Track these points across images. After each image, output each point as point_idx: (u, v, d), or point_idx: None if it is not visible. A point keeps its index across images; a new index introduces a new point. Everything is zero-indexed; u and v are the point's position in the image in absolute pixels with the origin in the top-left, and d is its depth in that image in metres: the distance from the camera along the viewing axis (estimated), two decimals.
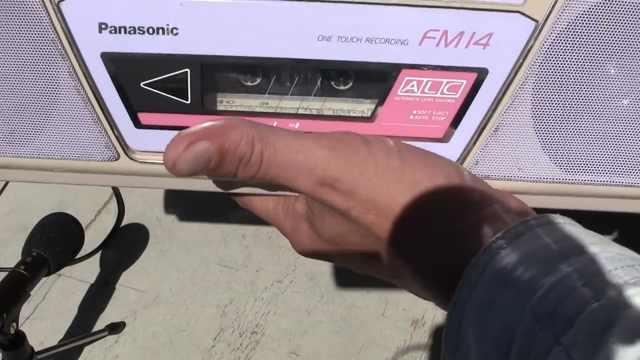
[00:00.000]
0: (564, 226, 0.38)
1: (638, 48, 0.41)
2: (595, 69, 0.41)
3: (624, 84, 0.42)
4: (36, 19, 0.39)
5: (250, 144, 0.37)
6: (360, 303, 1.40)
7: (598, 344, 0.32)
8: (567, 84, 0.41)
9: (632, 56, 0.41)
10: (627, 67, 0.42)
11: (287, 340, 1.36)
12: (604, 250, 0.36)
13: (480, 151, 0.43)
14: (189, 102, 0.42)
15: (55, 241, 1.04)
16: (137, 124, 0.42)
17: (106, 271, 1.49)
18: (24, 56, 0.40)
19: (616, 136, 0.43)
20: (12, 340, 0.99)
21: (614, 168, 0.43)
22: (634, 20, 0.40)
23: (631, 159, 0.43)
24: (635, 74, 0.42)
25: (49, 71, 0.41)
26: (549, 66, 0.41)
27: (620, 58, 0.41)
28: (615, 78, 0.42)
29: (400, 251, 0.40)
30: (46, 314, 1.41)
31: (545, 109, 0.42)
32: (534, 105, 0.42)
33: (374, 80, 0.42)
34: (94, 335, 1.35)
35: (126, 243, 1.54)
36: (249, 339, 1.37)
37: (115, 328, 1.36)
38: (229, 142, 0.37)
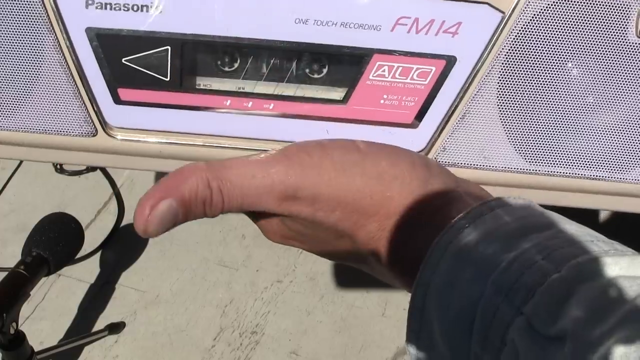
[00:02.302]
0: (523, 206, 0.39)
1: (599, 43, 0.43)
2: (559, 61, 0.43)
3: (588, 81, 0.44)
4: None
5: (207, 187, 0.38)
6: (360, 303, 1.39)
7: (558, 313, 0.32)
8: (531, 75, 0.43)
9: (595, 50, 0.43)
10: (590, 64, 0.44)
11: (287, 340, 1.34)
12: (563, 228, 0.37)
13: (448, 138, 0.44)
14: (168, 79, 0.43)
15: (55, 241, 1.04)
16: (117, 100, 0.43)
17: (106, 271, 1.47)
18: (11, 27, 0.42)
19: (579, 128, 0.44)
20: (12, 340, 0.98)
21: (576, 160, 0.45)
22: (593, 17, 0.43)
23: (594, 151, 0.45)
24: (598, 68, 0.44)
25: (34, 43, 0.42)
26: (515, 56, 0.43)
27: (583, 51, 0.43)
28: (579, 74, 0.44)
29: (369, 239, 0.41)
30: (46, 314, 1.39)
31: (510, 98, 0.44)
32: (499, 95, 0.43)
33: (347, 65, 0.43)
34: (94, 335, 1.33)
35: (126, 243, 1.53)
36: (249, 339, 1.34)
37: (115, 328, 1.35)
38: (187, 192, 0.38)
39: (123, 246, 1.52)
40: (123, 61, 0.43)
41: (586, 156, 0.45)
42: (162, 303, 1.40)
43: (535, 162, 0.45)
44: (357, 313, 1.39)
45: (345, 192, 0.40)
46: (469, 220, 0.37)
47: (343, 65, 0.44)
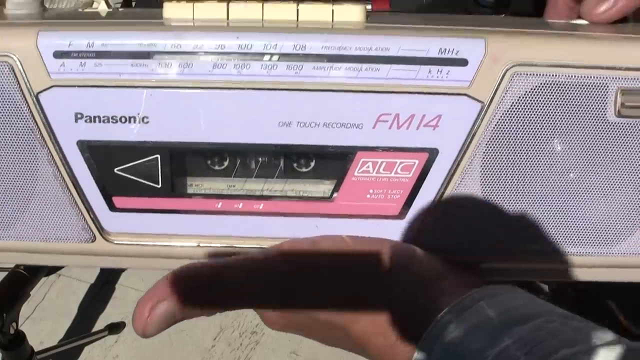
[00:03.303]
0: (507, 296, 0.40)
1: (579, 124, 0.44)
2: (540, 145, 0.44)
3: (569, 159, 0.45)
4: (16, 109, 0.43)
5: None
6: None
7: None
8: (513, 159, 0.44)
9: (575, 131, 0.44)
10: (570, 143, 0.44)
11: (287, 340, 1.35)
12: (546, 318, 0.38)
13: (433, 228, 0.45)
14: (159, 186, 0.44)
15: None
16: (112, 208, 0.45)
17: (106, 271, 1.48)
18: (4, 144, 0.43)
19: (563, 206, 0.45)
20: (12, 340, 0.99)
21: (562, 238, 0.46)
22: (572, 99, 0.43)
23: (579, 228, 0.46)
24: (579, 149, 0.44)
25: (28, 158, 0.44)
26: (496, 143, 0.44)
27: (563, 134, 0.44)
28: (560, 154, 0.45)
29: (362, 333, 0.42)
30: (46, 314, 1.41)
31: (494, 184, 0.44)
32: (482, 182, 0.44)
33: (332, 161, 0.44)
34: (94, 335, 1.34)
35: None
36: (249, 339, 1.36)
37: (115, 328, 1.36)
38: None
39: None
40: (115, 171, 0.44)
41: (571, 233, 0.46)
42: None
43: (522, 241, 0.46)
44: None
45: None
46: (454, 314, 0.39)
47: (328, 163, 0.45)
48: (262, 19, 0.45)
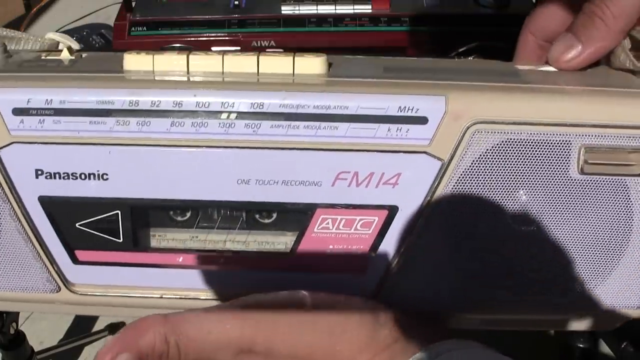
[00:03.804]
0: (462, 355, 0.40)
1: (541, 181, 0.43)
2: (501, 201, 0.44)
3: (532, 214, 0.44)
4: None
5: (164, 341, 0.40)
6: None
7: None
8: (473, 217, 0.44)
9: (536, 188, 0.44)
10: (533, 199, 0.44)
11: None
12: None
13: (394, 282, 0.45)
14: (121, 240, 0.45)
15: None
16: (75, 261, 0.45)
17: None
18: None
19: (525, 262, 0.45)
20: (12, 340, 0.99)
21: (526, 291, 0.46)
22: (534, 156, 0.43)
23: (542, 281, 0.45)
24: (541, 204, 0.44)
25: None
26: (456, 199, 0.44)
27: (525, 190, 0.44)
28: (522, 209, 0.44)
29: None
30: (46, 314, 1.43)
31: (454, 240, 0.44)
32: (443, 237, 0.44)
33: (294, 214, 0.44)
34: (94, 335, 1.34)
35: None
36: None
37: (115, 328, 1.36)
38: (144, 347, 0.40)
39: None
40: (77, 226, 0.45)
41: (534, 285, 0.46)
42: None
43: (485, 293, 0.46)
44: None
45: (298, 347, 0.42)
46: None
47: (290, 216, 0.45)
48: (223, 72, 0.45)
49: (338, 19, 0.82)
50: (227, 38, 0.82)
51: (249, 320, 0.41)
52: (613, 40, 0.47)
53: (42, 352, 1.23)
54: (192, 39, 0.81)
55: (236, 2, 0.84)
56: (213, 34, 0.82)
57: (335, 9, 0.83)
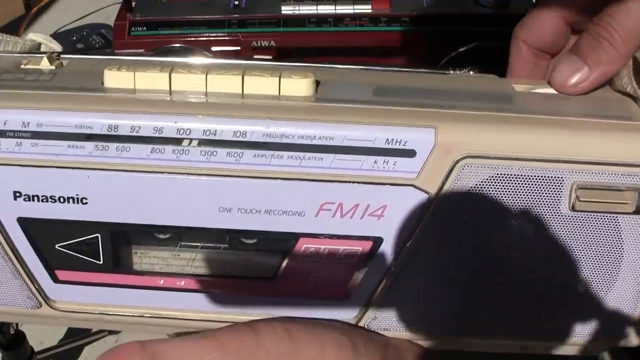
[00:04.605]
0: None
1: (530, 215, 0.42)
2: (489, 235, 0.43)
3: (520, 249, 0.44)
4: None
5: None
6: None
7: None
8: (460, 250, 0.43)
9: (525, 223, 0.43)
10: (522, 233, 0.43)
11: None
12: None
13: (377, 307, 0.45)
14: (101, 262, 0.44)
15: None
16: (56, 280, 0.45)
17: None
18: None
19: (513, 295, 0.45)
20: (12, 340, 1.01)
21: (512, 321, 0.45)
22: (524, 191, 0.42)
23: (529, 318, 0.45)
24: (531, 239, 0.43)
25: None
26: (443, 234, 0.43)
27: (514, 225, 0.43)
28: (511, 244, 0.43)
29: None
30: None
31: (440, 271, 0.44)
32: (428, 268, 0.44)
33: (276, 241, 0.44)
34: (94, 335, 1.36)
35: None
36: None
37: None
38: None
39: None
40: (57, 247, 0.44)
41: (523, 319, 0.46)
42: None
43: (467, 322, 0.46)
44: None
45: None
46: None
47: (274, 239, 0.44)
48: (206, 92, 0.43)
49: (338, 19, 0.81)
50: (227, 38, 0.80)
51: (229, 354, 0.41)
52: (620, 64, 0.45)
53: (42, 352, 1.23)
54: (192, 39, 0.80)
55: (236, 2, 0.83)
56: (213, 34, 0.81)
57: (335, 9, 0.81)
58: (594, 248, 0.44)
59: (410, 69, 0.48)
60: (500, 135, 0.42)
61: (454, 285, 0.44)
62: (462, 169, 0.42)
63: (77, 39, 1.06)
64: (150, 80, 0.43)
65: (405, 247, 0.43)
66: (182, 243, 0.45)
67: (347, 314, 0.45)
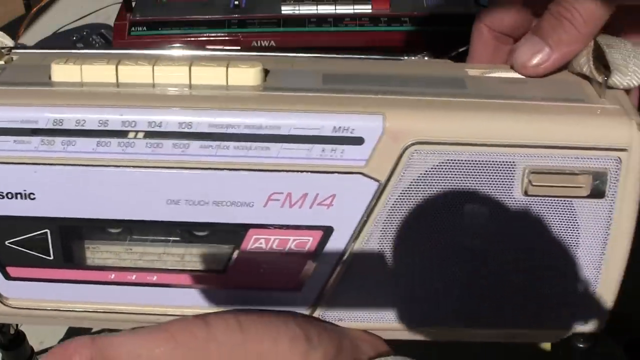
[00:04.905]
0: None
1: (483, 200, 0.42)
2: (441, 220, 0.42)
3: (473, 234, 0.43)
4: None
5: None
6: None
7: None
8: (412, 237, 0.43)
9: (478, 208, 0.42)
10: (474, 218, 0.43)
11: None
12: None
13: (331, 298, 0.44)
14: (52, 258, 0.44)
15: None
16: (7, 277, 0.45)
17: None
18: None
19: (462, 280, 0.44)
20: (12, 340, 1.01)
21: (467, 309, 0.45)
22: (476, 176, 0.41)
23: (482, 299, 0.45)
24: (484, 224, 0.43)
25: None
26: (393, 221, 0.42)
27: (467, 209, 0.42)
28: (463, 228, 0.43)
29: None
30: None
31: (392, 259, 0.43)
32: (380, 256, 0.43)
33: (226, 233, 0.43)
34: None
35: None
36: None
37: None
38: None
39: None
40: (6, 243, 0.44)
41: (472, 304, 0.45)
42: None
43: (422, 310, 0.45)
44: None
45: None
46: None
47: (224, 231, 0.44)
48: (153, 83, 0.43)
49: (338, 19, 0.80)
50: (227, 38, 0.80)
51: (180, 346, 0.41)
52: (581, 45, 0.45)
53: (42, 352, 1.23)
54: (192, 39, 0.80)
55: (236, 2, 0.82)
56: (213, 34, 0.80)
57: (335, 9, 0.81)
58: (549, 233, 0.43)
59: (364, 56, 0.48)
60: (450, 120, 0.41)
61: (408, 274, 0.44)
62: (412, 156, 0.41)
63: (77, 39, 1.06)
64: (97, 73, 0.43)
65: (357, 236, 0.43)
66: (133, 237, 0.44)
67: (301, 305, 0.45)
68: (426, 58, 0.49)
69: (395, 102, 0.42)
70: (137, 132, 0.41)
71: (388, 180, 0.42)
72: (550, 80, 0.45)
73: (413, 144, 0.41)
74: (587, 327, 0.46)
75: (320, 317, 0.45)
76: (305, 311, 0.45)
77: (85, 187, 0.42)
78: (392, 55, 0.47)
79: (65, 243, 0.44)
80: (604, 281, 0.44)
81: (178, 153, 0.41)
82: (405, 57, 0.48)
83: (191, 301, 0.45)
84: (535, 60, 0.45)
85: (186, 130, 0.41)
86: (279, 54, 0.48)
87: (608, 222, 0.43)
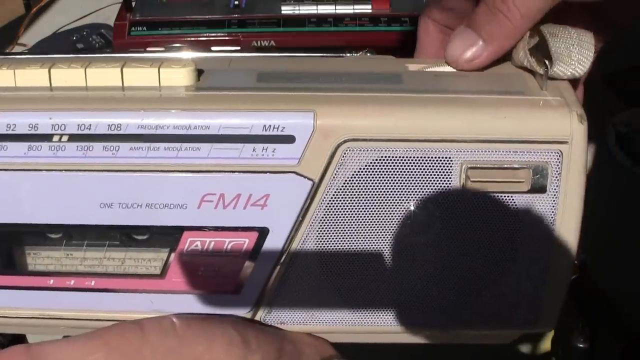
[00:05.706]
0: None
1: (420, 195, 0.41)
2: (375, 219, 0.42)
3: (412, 228, 0.42)
4: None
5: None
6: None
7: None
8: (350, 235, 0.42)
9: (415, 202, 0.41)
10: (413, 213, 0.42)
11: None
12: None
13: (272, 300, 0.43)
14: None
15: None
16: None
17: None
18: None
19: (407, 279, 0.43)
20: (12, 341, 1.02)
21: (409, 310, 0.44)
22: (412, 171, 0.40)
23: (423, 300, 0.43)
24: (422, 218, 0.42)
25: None
26: (330, 220, 0.41)
27: (403, 204, 0.42)
28: (401, 224, 0.42)
29: None
30: None
31: (331, 258, 0.42)
32: (319, 256, 0.42)
33: (161, 235, 0.43)
34: None
35: None
36: None
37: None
38: None
39: None
40: None
41: (415, 300, 0.44)
42: None
43: (369, 314, 0.44)
44: None
45: None
46: None
47: (162, 234, 0.43)
48: (86, 86, 0.42)
49: (338, 19, 0.81)
50: (227, 38, 0.80)
51: (113, 352, 0.40)
52: (517, 38, 0.43)
53: None
54: (192, 39, 0.80)
55: (236, 2, 0.83)
56: (213, 34, 0.81)
57: (335, 9, 0.82)
58: (491, 230, 0.42)
59: (304, 54, 0.47)
60: (382, 116, 0.40)
61: (348, 274, 0.43)
62: (345, 153, 0.40)
63: (77, 39, 1.07)
64: (30, 77, 0.43)
65: (293, 236, 0.42)
66: (72, 242, 0.44)
67: (241, 308, 0.44)
68: (369, 55, 0.48)
69: (327, 99, 0.41)
70: (68, 135, 0.41)
71: (322, 178, 0.41)
72: (490, 73, 0.44)
73: (346, 141, 0.40)
74: (536, 327, 0.44)
75: (261, 320, 0.44)
76: (246, 314, 0.44)
77: (18, 192, 0.42)
78: (334, 52, 0.47)
79: (3, 249, 0.44)
80: (552, 280, 0.43)
81: (109, 156, 0.41)
82: (347, 54, 0.48)
83: (130, 306, 0.44)
84: (468, 54, 0.44)
85: (116, 132, 0.41)
86: (279, 54, 0.47)
87: (552, 218, 0.42)
